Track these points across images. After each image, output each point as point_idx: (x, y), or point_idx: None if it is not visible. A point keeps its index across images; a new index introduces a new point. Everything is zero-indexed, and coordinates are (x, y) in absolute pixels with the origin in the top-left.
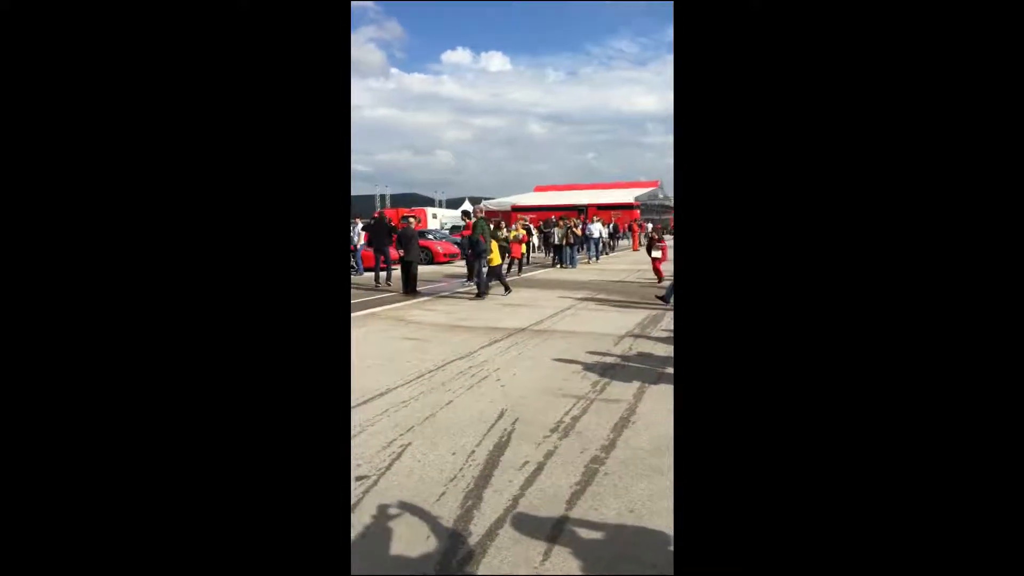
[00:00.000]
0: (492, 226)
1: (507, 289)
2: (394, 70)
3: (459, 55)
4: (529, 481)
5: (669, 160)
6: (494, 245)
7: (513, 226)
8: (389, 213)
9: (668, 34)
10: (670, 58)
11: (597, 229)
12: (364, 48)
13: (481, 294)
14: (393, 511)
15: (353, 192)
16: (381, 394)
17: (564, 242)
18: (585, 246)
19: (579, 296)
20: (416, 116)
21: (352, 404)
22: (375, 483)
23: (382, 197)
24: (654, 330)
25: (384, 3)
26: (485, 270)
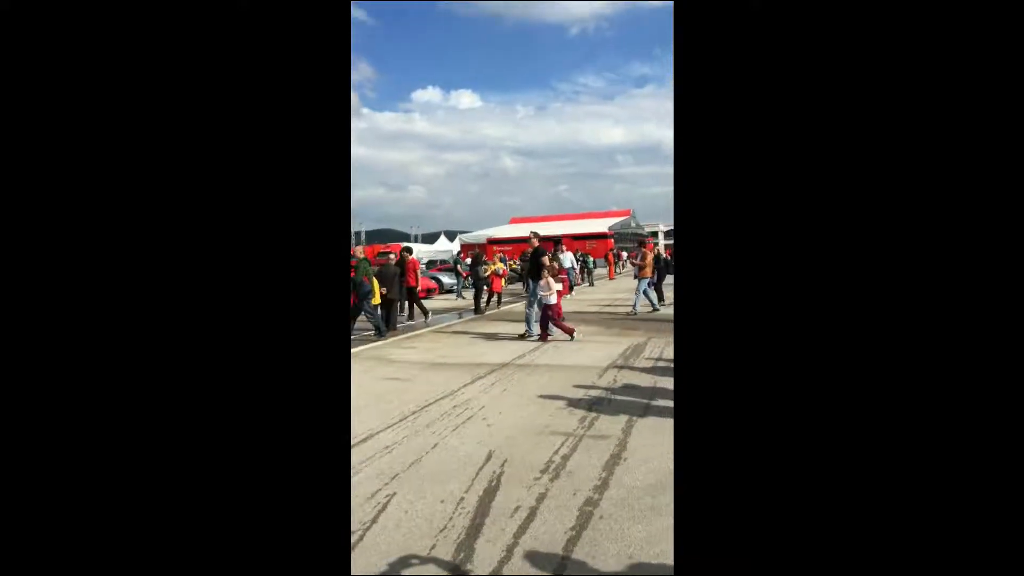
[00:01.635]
0: (471, 260)
1: (381, 333)
2: (365, 110)
3: (429, 93)
4: (522, 528)
5: (639, 190)
6: (375, 284)
7: (493, 259)
8: (366, 251)
9: (633, 68)
10: (634, 92)
11: (568, 259)
12: None
13: (381, 332)
14: (382, 568)
15: None
16: (364, 439)
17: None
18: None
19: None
20: (389, 153)
21: None
22: (361, 538)
23: (357, 234)
24: (637, 360)
25: (353, 45)
26: (372, 308)
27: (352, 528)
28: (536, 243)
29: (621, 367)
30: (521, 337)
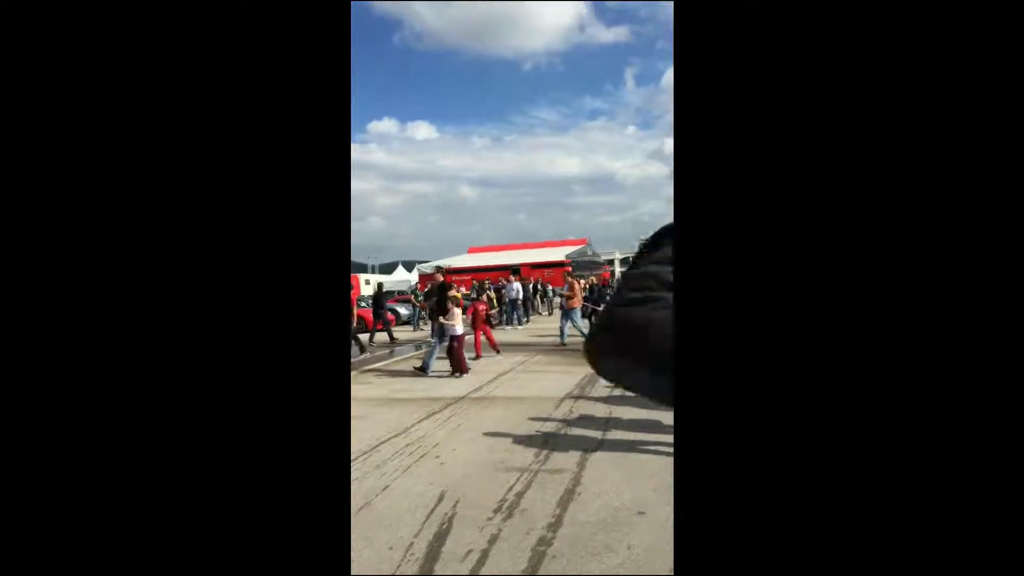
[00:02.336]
0: (427, 290)
1: None
2: None
3: (386, 125)
4: (473, 573)
5: (596, 219)
6: None
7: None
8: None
9: (585, 103)
10: (587, 125)
11: (516, 289)
12: None
13: None
14: None
15: None
16: None
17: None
18: (505, 309)
19: (517, 359)
20: (365, 184)
21: None
22: None
23: None
24: (593, 389)
25: None
26: None
27: None
28: (440, 278)
29: (577, 397)
30: (418, 370)
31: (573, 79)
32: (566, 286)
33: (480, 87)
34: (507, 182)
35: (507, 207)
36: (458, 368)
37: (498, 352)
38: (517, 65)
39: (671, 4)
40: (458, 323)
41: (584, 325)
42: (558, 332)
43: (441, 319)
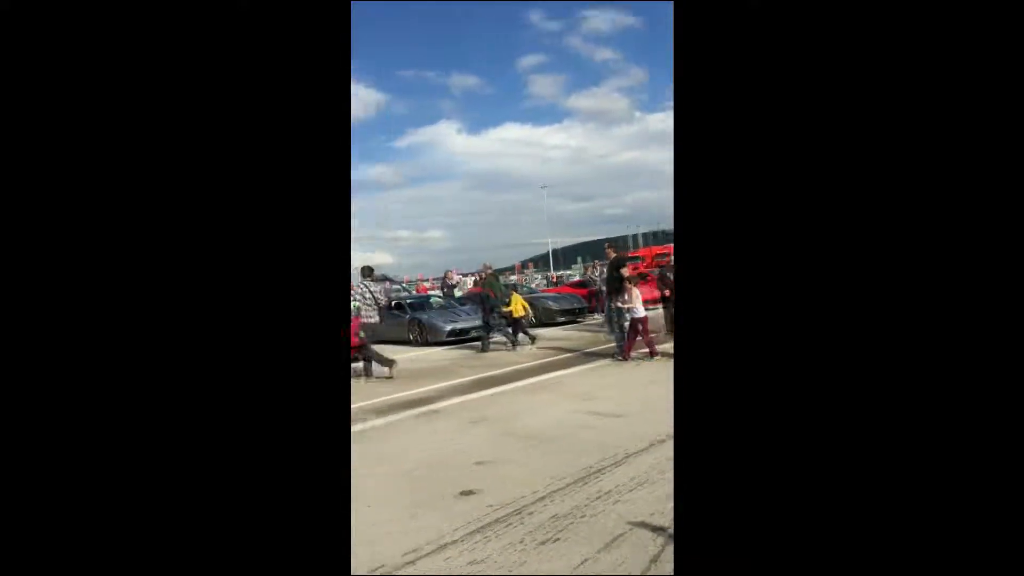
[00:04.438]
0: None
1: (513, 344)
2: (638, 113)
3: None
4: None
5: None
6: (514, 298)
7: None
8: (643, 252)
9: None
10: None
11: None
12: (610, 98)
13: (510, 342)
14: None
15: (607, 234)
16: (654, 444)
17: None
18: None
19: None
20: (659, 154)
21: (621, 455)
22: (670, 539)
23: (634, 237)
24: None
25: (626, 51)
26: (500, 321)
27: (663, 525)
28: (613, 254)
29: None
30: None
31: None
32: None
33: None
34: None
35: None
36: (652, 351)
37: (654, 356)
38: None
39: (671, 4)
40: (638, 304)
41: None
42: None
43: (619, 303)
